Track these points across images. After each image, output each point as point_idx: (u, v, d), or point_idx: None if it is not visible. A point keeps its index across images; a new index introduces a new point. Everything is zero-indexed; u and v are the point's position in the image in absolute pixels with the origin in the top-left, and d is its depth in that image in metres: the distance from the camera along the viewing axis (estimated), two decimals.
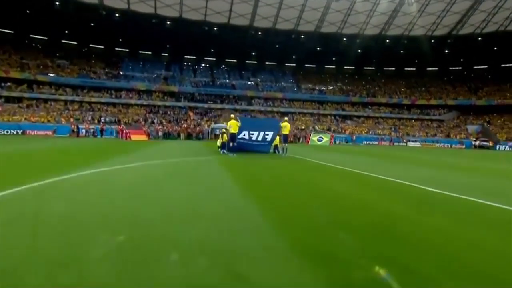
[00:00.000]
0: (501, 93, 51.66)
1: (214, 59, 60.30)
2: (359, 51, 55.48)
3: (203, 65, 59.75)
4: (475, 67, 58.34)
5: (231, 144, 12.68)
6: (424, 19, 46.73)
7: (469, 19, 46.47)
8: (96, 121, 39.55)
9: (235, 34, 51.46)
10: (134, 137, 27.36)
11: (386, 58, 57.11)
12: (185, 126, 34.01)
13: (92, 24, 45.82)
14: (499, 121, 49.31)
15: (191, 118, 45.14)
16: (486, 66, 58.21)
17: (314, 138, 29.61)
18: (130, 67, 51.87)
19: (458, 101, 52.39)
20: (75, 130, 33.97)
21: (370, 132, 46.67)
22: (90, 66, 49.55)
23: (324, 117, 52.25)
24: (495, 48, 51.28)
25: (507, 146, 39.61)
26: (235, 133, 12.64)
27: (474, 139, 43.83)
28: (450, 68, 58.89)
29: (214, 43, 53.54)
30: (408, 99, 53.65)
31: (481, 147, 41.53)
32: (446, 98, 53.10)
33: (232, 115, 14.02)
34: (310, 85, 57.50)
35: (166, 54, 57.49)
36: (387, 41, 51.97)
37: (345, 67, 63.57)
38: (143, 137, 29.31)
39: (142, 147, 18.87)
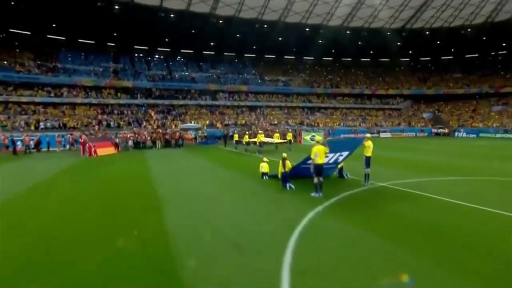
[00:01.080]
0: (445, 83, 56.64)
1: (168, 49, 54.30)
2: (320, 41, 55.38)
3: (156, 56, 53.39)
4: (421, 58, 63.04)
5: (315, 180, 8.73)
6: (384, 12, 48.04)
7: (422, 15, 49.22)
8: (33, 127, 31.93)
9: (194, 23, 46.68)
10: (101, 152, 21.91)
11: (344, 49, 57.98)
12: (161, 131, 28.83)
13: (12, 2, 36.57)
14: (446, 108, 54.09)
15: (153, 118, 39.69)
16: (429, 58, 63.34)
17: (307, 137, 27.84)
18: (70, 59, 43.40)
19: (411, 90, 55.99)
20: (6, 143, 25.73)
21: (342, 124, 46.94)
22: (14, 56, 39.94)
23: (292, 110, 51.08)
24: (438, 42, 55.75)
25: (463, 133, 43.29)
26: (321, 164, 8.71)
27: (433, 127, 47.33)
28: (401, 59, 62.65)
29: (170, 32, 47.90)
30: (369, 89, 55.51)
31: (437, 134, 45.05)
32: (402, 88, 56.30)
33: (316, 138, 10.56)
34: (273, 77, 55.62)
35: (113, 44, 49.69)
36: (348, 32, 52.49)
37: (304, 57, 63.31)
38: (111, 150, 23.61)
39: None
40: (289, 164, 10.19)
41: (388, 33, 53.45)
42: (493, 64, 57.49)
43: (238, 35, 51.53)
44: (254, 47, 57.11)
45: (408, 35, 53.18)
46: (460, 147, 26.64)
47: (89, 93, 39.80)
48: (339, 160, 10.61)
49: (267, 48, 56.68)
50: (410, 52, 59.27)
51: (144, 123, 36.97)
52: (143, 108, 41.75)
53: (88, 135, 24.86)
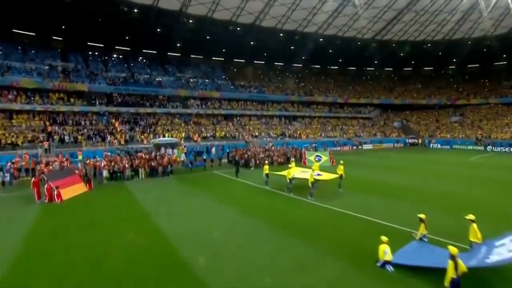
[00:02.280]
0: (409, 94, 59.40)
1: (128, 48, 47.57)
2: (292, 47, 53.93)
3: (114, 55, 46.34)
4: (386, 68, 65.57)
5: None
6: (359, 22, 48.18)
7: (393, 27, 50.61)
8: None
9: (162, 20, 41.35)
10: (67, 193, 15.27)
11: (314, 56, 57.36)
12: (144, 156, 22.56)
13: None
14: (413, 118, 56.59)
15: (118, 130, 33.52)
16: (392, 69, 66.20)
17: (311, 157, 25.08)
18: (0, 53, 34.73)
19: (381, 100, 57.45)
20: None
21: (323, 135, 45.60)
22: None
23: (270, 119, 48.40)
24: (401, 54, 58.24)
25: (437, 144, 44.88)
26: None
27: (407, 137, 48.76)
28: (367, 68, 64.34)
29: (132, 29, 41.83)
30: (341, 98, 55.48)
31: (412, 144, 46.42)
32: (372, 97, 57.47)
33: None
34: (244, 83, 52.42)
35: (60, 39, 41.51)
36: (321, 40, 51.80)
37: (275, 63, 61.40)
38: (80, 188, 16.88)
39: None
40: (463, 266, 6.36)
41: (359, 43, 54.16)
42: (446, 77, 62.13)
43: (208, 37, 47.31)
44: (224, 50, 53.32)
45: (376, 46, 54.37)
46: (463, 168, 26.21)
47: (32, 98, 32.02)
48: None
49: (237, 51, 53.23)
50: (376, 62, 61.09)
51: (109, 137, 30.75)
52: (105, 117, 35.14)
53: (45, 167, 18.61)
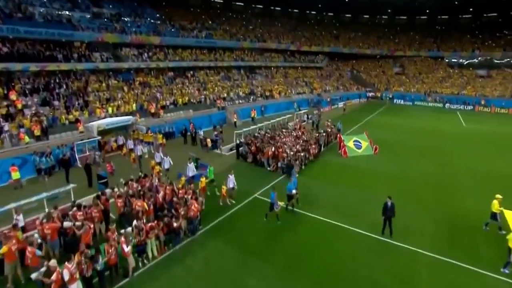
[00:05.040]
0: (355, 43, 57.87)
1: None
2: None
3: None
4: (328, 13, 61.45)
5: None
6: None
7: None
8: None
9: None
10: None
11: None
12: (146, 203, 10.35)
13: None
14: (361, 68, 56.16)
15: (19, 107, 20.17)
16: (332, 14, 62.48)
17: (350, 143, 19.57)
18: None
19: (331, 48, 54.18)
20: None
21: (293, 92, 40.07)
22: None
23: (228, 71, 39.42)
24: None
25: (401, 100, 45.38)
26: None
27: (366, 90, 47.95)
28: (310, 12, 58.98)
29: None
30: (294, 45, 49.69)
31: (373, 98, 46.20)
32: (323, 45, 53.56)
33: None
34: (185, 24, 40.39)
35: None
36: None
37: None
38: None
39: None
40: None
41: None
42: (382, 27, 62.67)
43: None
44: None
45: None
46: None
47: None
48: None
49: None
50: (320, 5, 56.10)
51: (6, 126, 17.93)
52: None
53: None
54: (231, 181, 12.78)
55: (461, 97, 43.34)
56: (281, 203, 11.57)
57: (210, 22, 44.32)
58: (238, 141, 20.32)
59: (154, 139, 20.30)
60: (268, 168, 16.67)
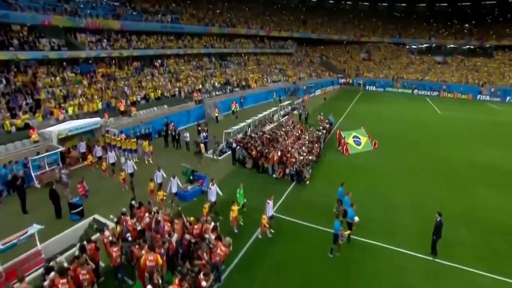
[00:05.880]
0: (323, 29, 57.13)
1: None
2: None
3: None
4: None
5: None
6: None
7: None
8: None
9: None
10: None
11: None
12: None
13: None
14: (330, 54, 55.77)
15: None
16: None
17: (350, 140, 18.42)
18: None
19: (300, 33, 52.78)
20: None
21: (267, 79, 38.17)
22: None
23: (199, 60, 36.18)
24: None
25: (372, 86, 45.75)
26: None
27: (338, 77, 47.63)
28: None
29: None
30: (264, 30, 47.38)
31: (345, 84, 46.17)
32: (292, 30, 51.91)
33: None
34: (147, 7, 36.03)
35: None
36: None
37: None
38: None
39: None
40: None
41: None
42: (347, 13, 62.76)
43: None
44: None
45: None
46: None
47: None
48: None
49: None
50: None
51: None
52: None
53: None
54: (270, 209, 10.58)
55: (426, 83, 45.19)
56: (345, 232, 9.62)
57: (174, 5, 40.17)
58: (226, 142, 18.28)
59: (139, 146, 17.06)
60: (274, 175, 14.94)
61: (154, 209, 9.76)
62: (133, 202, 10.59)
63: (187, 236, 8.75)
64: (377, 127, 23.51)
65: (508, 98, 39.85)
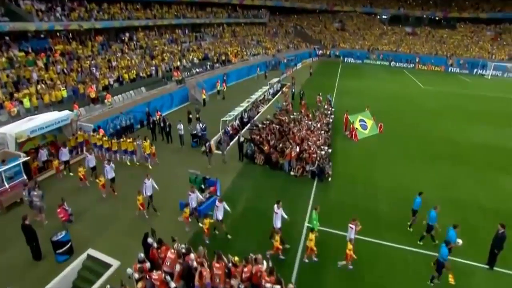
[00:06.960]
0: None
1: None
2: None
3: None
4: None
5: None
6: None
7: None
8: None
9: None
10: None
11: None
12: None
13: None
14: (304, 23, 53.30)
15: None
16: None
17: (357, 125, 17.16)
18: None
19: (274, 2, 49.35)
20: None
21: (247, 53, 35.35)
22: None
23: (172, 32, 32.13)
24: None
25: (351, 59, 44.72)
26: None
27: (315, 48, 45.88)
28: None
29: None
30: None
31: (322, 55, 44.89)
32: None
33: None
34: None
35: None
36: None
37: None
38: None
39: None
40: None
41: None
42: None
43: None
44: None
45: None
46: None
47: None
48: None
49: None
50: None
51: None
52: None
53: None
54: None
55: (402, 55, 45.49)
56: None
57: None
58: (224, 131, 16.13)
59: (137, 147, 13.91)
60: (292, 173, 13.44)
61: (181, 247, 7.14)
62: (149, 240, 7.62)
63: (234, 282, 6.32)
64: (375, 106, 22.73)
65: (475, 70, 41.59)
